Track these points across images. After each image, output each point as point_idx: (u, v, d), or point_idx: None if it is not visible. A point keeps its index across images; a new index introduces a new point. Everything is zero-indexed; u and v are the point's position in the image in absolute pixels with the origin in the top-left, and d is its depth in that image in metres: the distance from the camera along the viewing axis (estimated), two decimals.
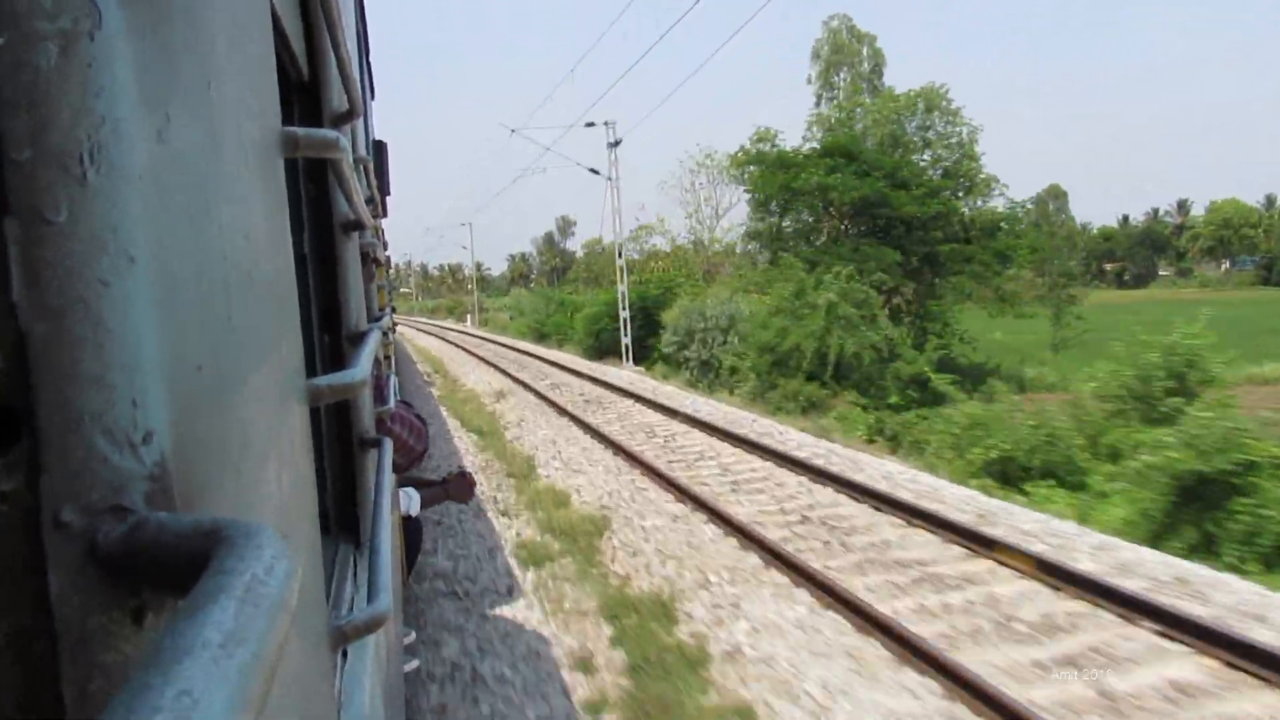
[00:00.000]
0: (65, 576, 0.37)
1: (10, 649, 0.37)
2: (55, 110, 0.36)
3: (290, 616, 0.34)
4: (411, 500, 3.73)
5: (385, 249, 7.81)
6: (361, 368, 1.23)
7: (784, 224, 27.68)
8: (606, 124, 26.75)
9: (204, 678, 0.27)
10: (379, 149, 5.53)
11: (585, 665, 4.93)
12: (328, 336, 1.65)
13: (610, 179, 26.58)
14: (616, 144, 26.34)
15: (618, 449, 11.05)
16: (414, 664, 4.62)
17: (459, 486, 4.16)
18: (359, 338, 1.81)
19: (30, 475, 0.37)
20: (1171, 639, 5.11)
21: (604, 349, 28.36)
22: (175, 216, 0.45)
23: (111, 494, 0.38)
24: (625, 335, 25.00)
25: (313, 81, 1.49)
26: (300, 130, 0.90)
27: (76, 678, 0.37)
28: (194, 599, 0.31)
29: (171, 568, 0.37)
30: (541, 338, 37.60)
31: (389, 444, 2.05)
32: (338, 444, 1.66)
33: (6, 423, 0.37)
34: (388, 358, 4.56)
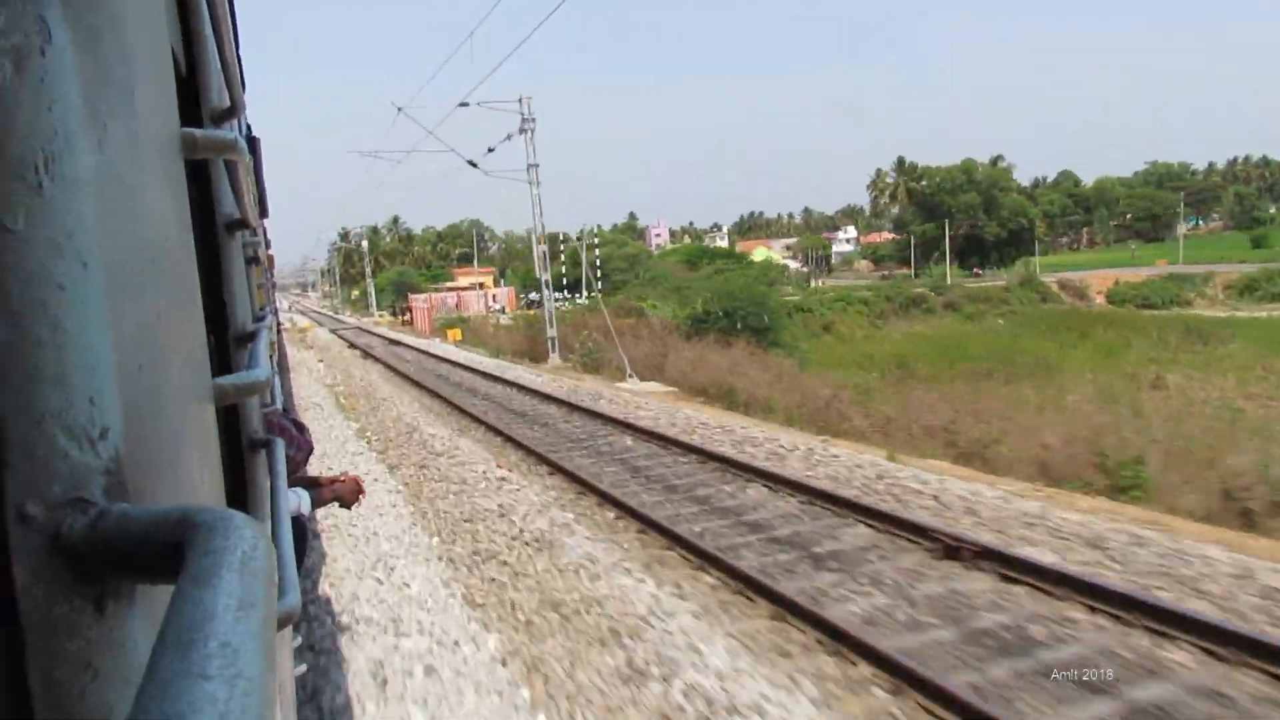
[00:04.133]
0: (30, 568, 0.38)
1: None
2: (12, 123, 0.37)
3: (275, 588, 0.37)
4: (302, 499, 3.64)
5: (268, 247, 7.54)
6: (264, 367, 1.23)
7: None
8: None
9: (236, 634, 0.30)
10: (254, 145, 5.34)
11: None
12: (213, 338, 1.62)
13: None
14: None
15: None
16: (302, 669, 4.51)
17: (347, 489, 4.08)
18: (247, 338, 1.78)
19: None
20: None
21: None
22: (114, 221, 0.47)
23: (73, 488, 0.40)
24: None
25: (191, 77, 1.46)
26: (199, 131, 0.90)
27: (41, 667, 0.39)
28: (198, 573, 0.34)
29: (140, 555, 0.39)
30: None
31: (280, 444, 2.01)
32: (225, 445, 1.64)
33: None
34: (270, 356, 4.44)
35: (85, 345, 0.41)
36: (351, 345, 35.23)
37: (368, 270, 76.15)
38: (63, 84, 0.40)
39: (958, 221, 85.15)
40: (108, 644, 0.41)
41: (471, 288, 63.62)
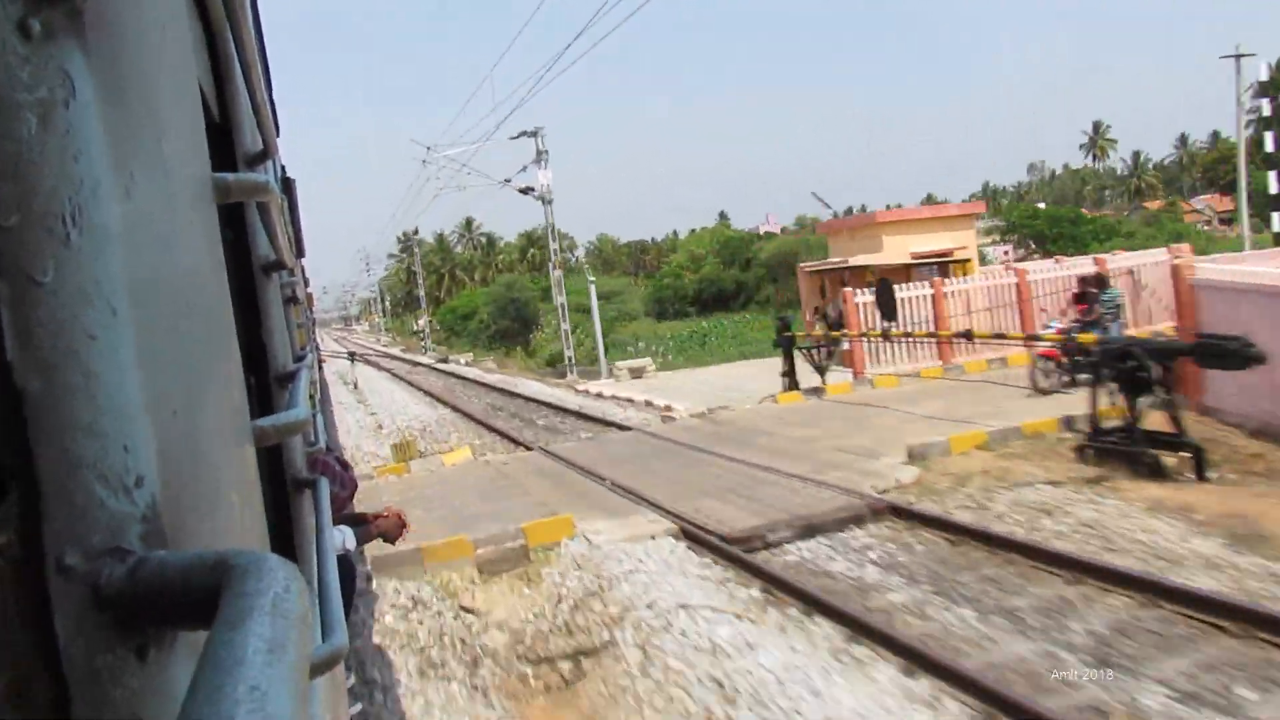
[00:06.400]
0: (71, 619, 0.38)
1: (10, 696, 0.39)
2: (39, 176, 0.38)
3: (309, 629, 0.37)
4: (347, 536, 3.67)
5: (306, 286, 7.70)
6: (303, 407, 1.24)
7: None
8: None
9: (265, 677, 0.30)
10: (288, 186, 5.46)
11: None
12: (253, 378, 1.64)
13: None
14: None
15: None
16: (357, 708, 4.52)
17: (391, 525, 4.11)
18: (287, 378, 1.80)
19: (24, 527, 0.38)
20: None
21: None
22: (144, 268, 0.47)
23: (110, 536, 0.40)
24: None
25: (224, 123, 1.49)
26: (231, 176, 0.91)
27: (86, 717, 0.39)
28: (230, 617, 0.34)
29: (178, 601, 0.39)
30: None
31: (325, 483, 2.03)
32: (269, 485, 1.65)
33: None
34: (311, 396, 4.50)
35: (118, 393, 0.41)
36: None
37: (553, 261, 28.60)
38: (87, 136, 0.41)
39: None
40: (152, 691, 0.41)
41: (952, 264, 20.20)
